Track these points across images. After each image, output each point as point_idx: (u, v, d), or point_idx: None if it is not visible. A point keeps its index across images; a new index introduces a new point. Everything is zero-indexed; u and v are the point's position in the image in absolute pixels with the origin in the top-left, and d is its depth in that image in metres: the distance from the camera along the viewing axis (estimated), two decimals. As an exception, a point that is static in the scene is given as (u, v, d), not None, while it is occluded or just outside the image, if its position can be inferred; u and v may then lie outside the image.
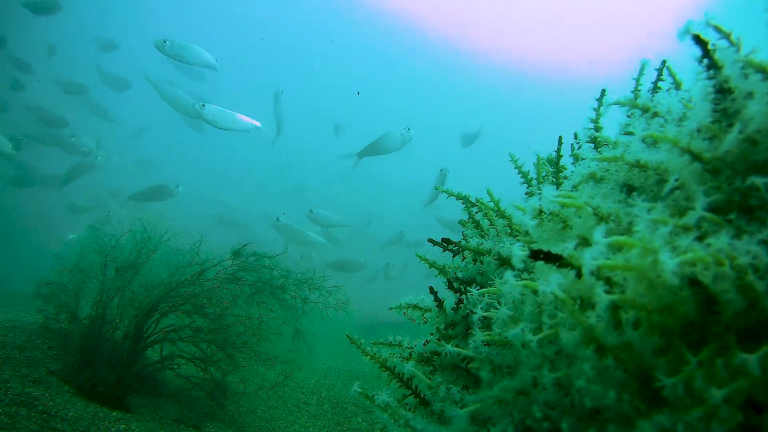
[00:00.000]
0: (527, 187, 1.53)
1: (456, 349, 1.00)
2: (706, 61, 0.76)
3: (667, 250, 0.47)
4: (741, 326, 0.48)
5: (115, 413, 3.26)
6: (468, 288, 1.16)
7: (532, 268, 0.87)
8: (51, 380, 3.36)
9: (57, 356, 3.74)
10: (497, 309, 0.81)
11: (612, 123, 1.24)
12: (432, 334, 1.28)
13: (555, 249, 0.57)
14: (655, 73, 1.33)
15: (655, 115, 0.98)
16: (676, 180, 0.67)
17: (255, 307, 4.23)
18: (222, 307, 4.05)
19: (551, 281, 0.55)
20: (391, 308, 1.43)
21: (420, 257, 1.39)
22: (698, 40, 0.76)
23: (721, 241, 0.47)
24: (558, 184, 1.45)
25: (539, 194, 0.86)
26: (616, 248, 0.53)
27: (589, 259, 0.50)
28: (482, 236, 1.39)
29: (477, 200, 1.46)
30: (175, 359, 4.05)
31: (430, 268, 1.38)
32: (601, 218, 0.70)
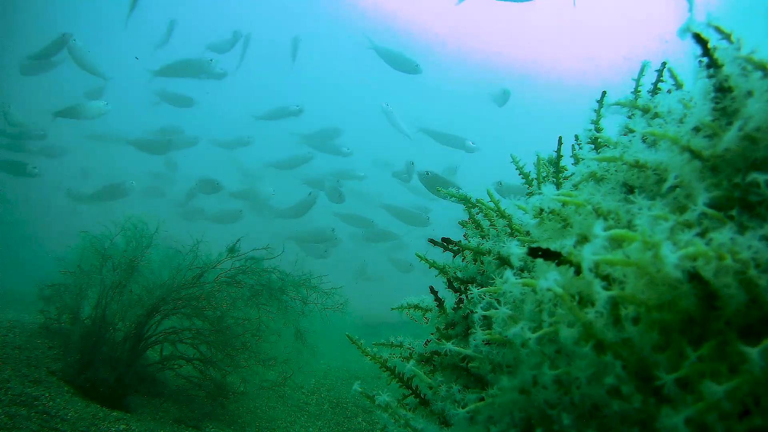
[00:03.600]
0: (528, 187, 1.53)
1: (456, 348, 1.00)
2: (706, 59, 0.76)
3: (669, 244, 0.47)
4: (742, 323, 0.48)
5: (115, 413, 3.26)
6: (468, 287, 1.16)
7: (533, 267, 0.87)
8: (51, 380, 3.36)
9: (57, 356, 3.75)
10: (497, 308, 0.80)
11: (613, 124, 1.24)
12: (432, 334, 1.28)
13: (553, 246, 0.57)
14: (656, 75, 1.34)
15: (656, 115, 0.98)
16: (676, 177, 0.67)
17: (254, 308, 4.26)
18: (222, 309, 4.06)
19: (549, 278, 0.55)
20: (393, 309, 1.44)
21: (420, 257, 1.39)
22: (698, 38, 0.76)
23: (722, 236, 0.47)
24: (558, 184, 1.45)
25: (540, 194, 0.86)
26: (617, 243, 0.53)
27: (588, 254, 0.50)
28: (483, 236, 1.39)
29: (478, 201, 1.46)
30: (176, 359, 4.06)
31: (430, 268, 1.38)
32: (601, 216, 0.71)
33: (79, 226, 4.51)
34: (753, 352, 0.43)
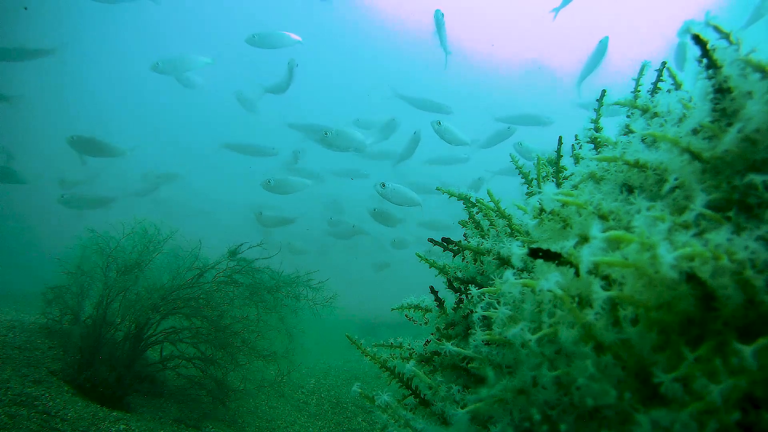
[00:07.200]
0: (527, 188, 1.53)
1: (456, 348, 1.00)
2: (705, 60, 0.76)
3: (666, 244, 0.48)
4: (740, 323, 0.48)
5: (115, 413, 3.26)
6: (468, 287, 1.16)
7: (532, 268, 0.87)
8: (51, 380, 3.36)
9: (57, 356, 3.75)
10: (497, 308, 0.81)
11: (612, 124, 1.24)
12: (432, 334, 1.28)
13: (554, 247, 0.57)
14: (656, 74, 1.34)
15: (655, 115, 0.98)
16: (676, 179, 0.67)
17: (252, 306, 4.31)
18: (220, 308, 4.09)
19: (549, 279, 0.55)
20: (393, 309, 1.44)
21: (420, 257, 1.39)
22: (698, 39, 0.76)
23: (719, 236, 0.47)
24: (558, 184, 1.45)
25: (539, 194, 0.86)
26: (615, 245, 0.53)
27: (586, 256, 0.50)
28: (482, 236, 1.39)
29: (477, 200, 1.46)
30: (176, 359, 4.07)
31: (430, 267, 1.38)
32: (602, 216, 0.71)
33: (79, 227, 4.52)
34: (746, 350, 0.43)
